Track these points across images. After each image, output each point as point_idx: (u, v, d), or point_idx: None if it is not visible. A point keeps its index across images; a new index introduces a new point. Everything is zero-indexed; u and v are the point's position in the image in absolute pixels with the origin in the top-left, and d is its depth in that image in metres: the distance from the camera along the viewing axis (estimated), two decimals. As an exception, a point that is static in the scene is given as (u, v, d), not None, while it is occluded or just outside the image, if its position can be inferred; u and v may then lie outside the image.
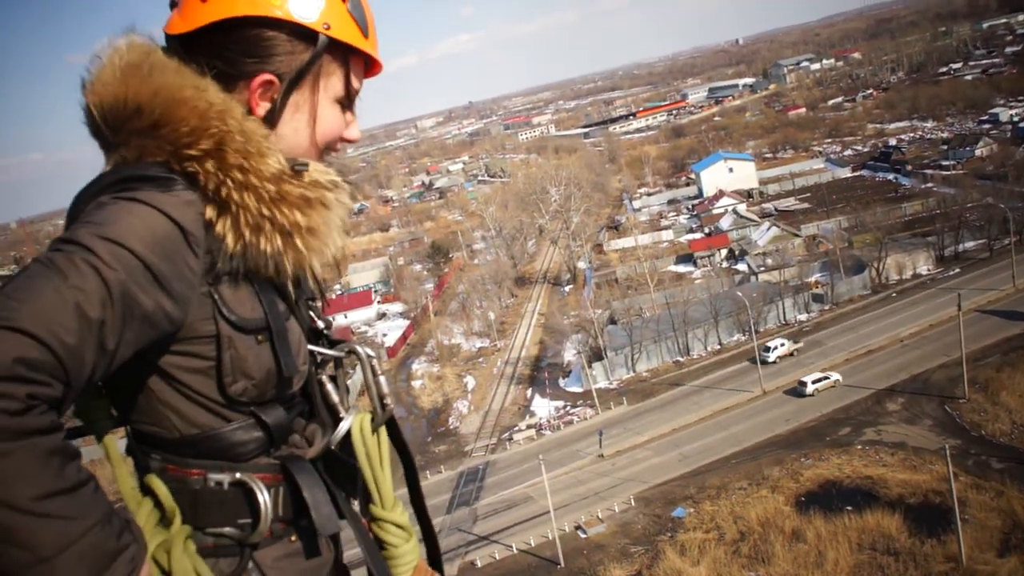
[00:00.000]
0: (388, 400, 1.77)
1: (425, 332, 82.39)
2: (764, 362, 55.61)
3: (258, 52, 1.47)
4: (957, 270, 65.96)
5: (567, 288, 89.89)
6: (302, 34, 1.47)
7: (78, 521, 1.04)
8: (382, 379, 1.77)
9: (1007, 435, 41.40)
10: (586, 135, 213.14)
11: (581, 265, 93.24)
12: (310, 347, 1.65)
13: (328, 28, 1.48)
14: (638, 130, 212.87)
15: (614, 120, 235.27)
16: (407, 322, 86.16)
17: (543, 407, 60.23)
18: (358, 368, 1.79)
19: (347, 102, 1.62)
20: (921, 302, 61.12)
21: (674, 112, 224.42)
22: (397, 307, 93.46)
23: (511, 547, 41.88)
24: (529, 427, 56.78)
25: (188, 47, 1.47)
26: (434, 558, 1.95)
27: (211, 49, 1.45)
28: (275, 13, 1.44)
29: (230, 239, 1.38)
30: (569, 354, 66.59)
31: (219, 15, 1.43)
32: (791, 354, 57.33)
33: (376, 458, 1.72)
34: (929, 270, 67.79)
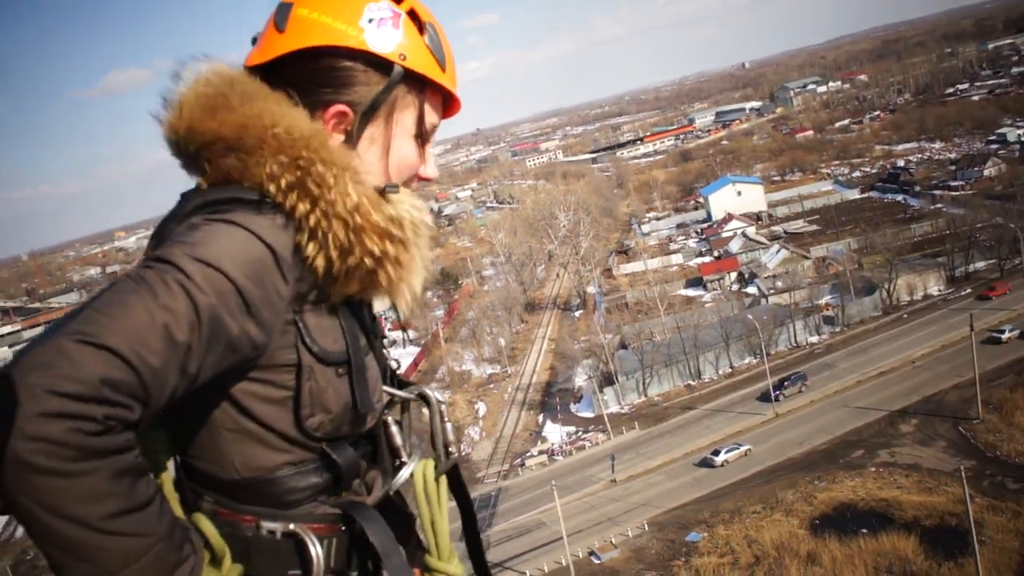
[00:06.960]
0: (453, 448, 1.74)
1: (436, 359, 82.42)
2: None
3: (333, 82, 1.45)
4: (968, 290, 65.76)
5: (577, 313, 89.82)
6: (378, 65, 1.46)
7: (144, 538, 1.05)
8: (448, 426, 1.74)
9: (1023, 455, 41.13)
10: (594, 160, 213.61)
11: (591, 290, 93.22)
12: (383, 387, 1.63)
13: (404, 59, 1.47)
14: (646, 155, 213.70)
15: (622, 145, 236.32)
16: (418, 349, 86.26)
17: (555, 433, 60.07)
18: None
19: (423, 138, 1.59)
20: (932, 323, 60.89)
21: (681, 136, 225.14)
22: (407, 334, 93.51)
23: (525, 574, 41.63)
24: (541, 453, 56.66)
25: (266, 78, 1.45)
26: None
27: (287, 79, 1.45)
28: (351, 43, 1.43)
29: (320, 262, 1.35)
30: (580, 379, 66.50)
31: (296, 45, 1.43)
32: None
33: (436, 506, 1.69)
34: (940, 291, 67.57)
